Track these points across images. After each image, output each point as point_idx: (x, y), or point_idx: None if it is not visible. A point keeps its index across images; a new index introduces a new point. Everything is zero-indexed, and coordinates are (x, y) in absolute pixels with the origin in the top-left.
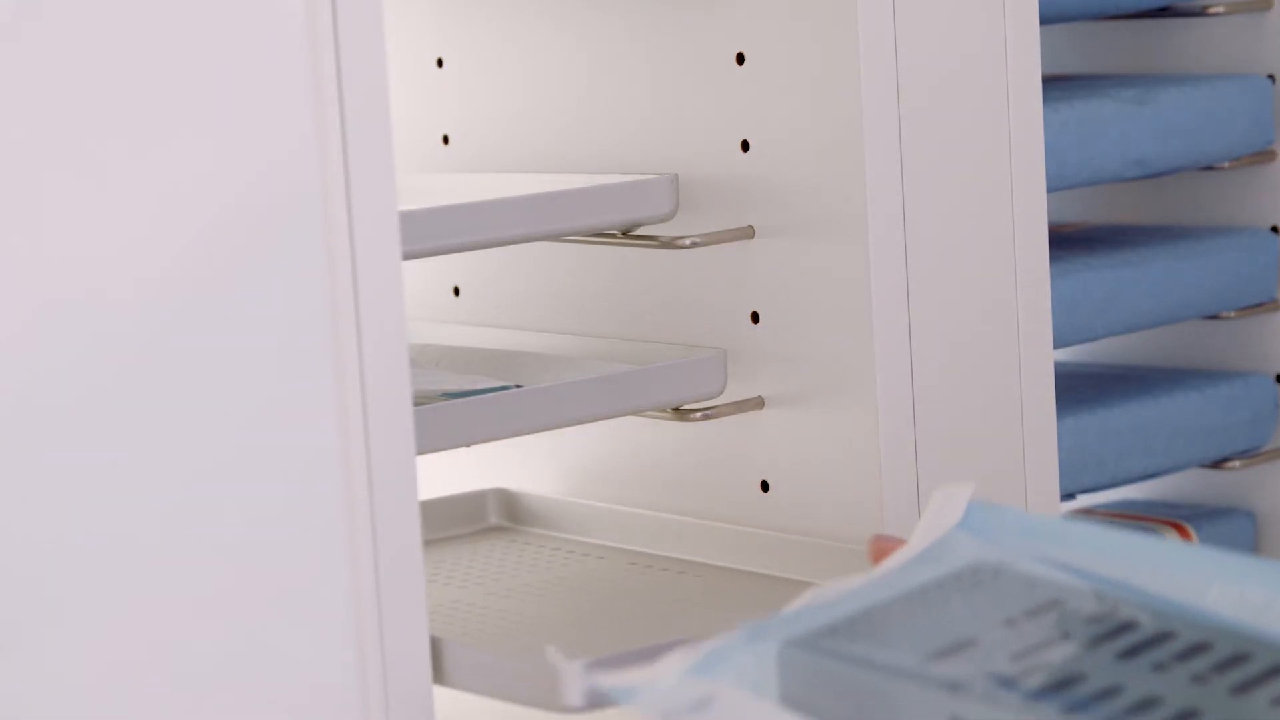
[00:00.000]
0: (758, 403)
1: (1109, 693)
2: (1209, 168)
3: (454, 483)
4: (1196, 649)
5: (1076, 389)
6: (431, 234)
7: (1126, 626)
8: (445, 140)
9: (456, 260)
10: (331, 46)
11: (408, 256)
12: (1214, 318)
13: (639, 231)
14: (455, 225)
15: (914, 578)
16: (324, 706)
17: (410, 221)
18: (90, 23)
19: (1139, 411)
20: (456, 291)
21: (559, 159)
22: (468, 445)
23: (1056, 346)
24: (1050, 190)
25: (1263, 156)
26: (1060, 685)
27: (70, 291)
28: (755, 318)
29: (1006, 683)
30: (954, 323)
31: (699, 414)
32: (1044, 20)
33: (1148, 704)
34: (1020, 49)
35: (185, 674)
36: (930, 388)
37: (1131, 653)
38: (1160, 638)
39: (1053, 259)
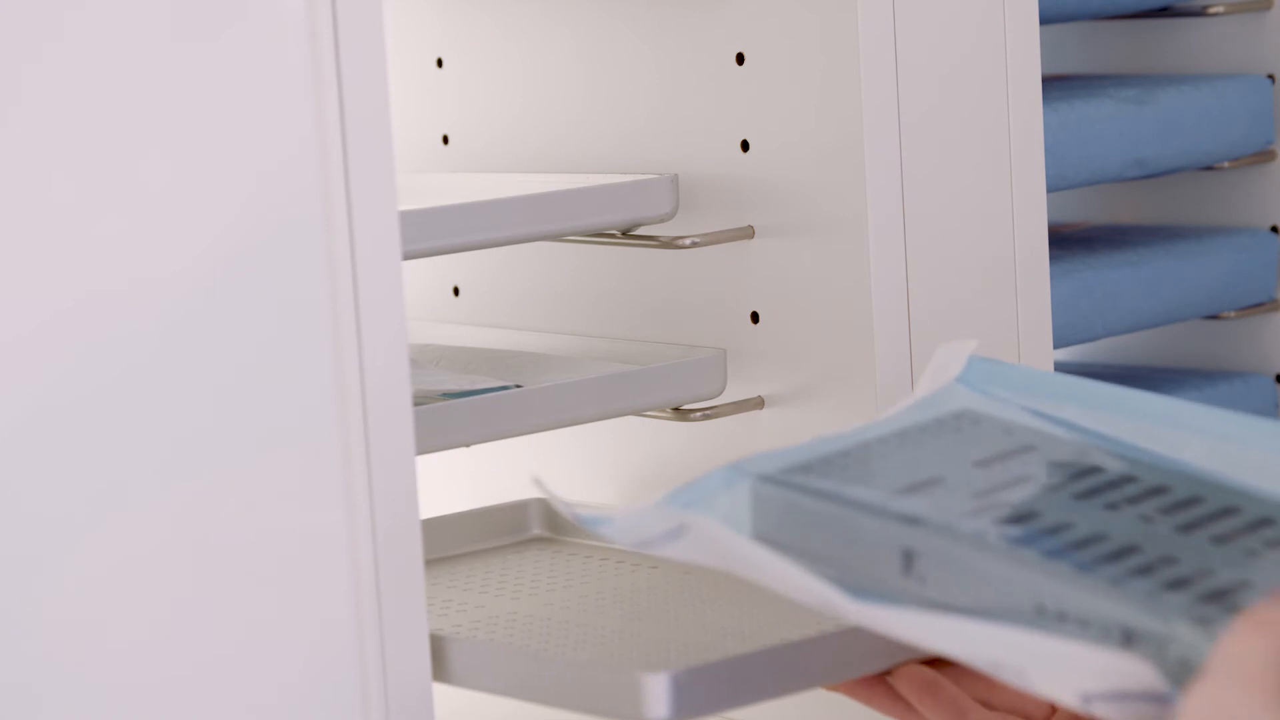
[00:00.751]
0: (758, 403)
1: (1057, 529)
2: (1209, 168)
3: (451, 486)
4: (1153, 492)
5: None
6: (431, 234)
7: (1090, 471)
8: (445, 140)
9: (456, 260)
10: (331, 46)
11: (408, 256)
12: (1214, 318)
13: (639, 231)
14: (455, 225)
15: (901, 423)
16: (324, 706)
17: (410, 221)
18: (88, 23)
19: None
20: (456, 291)
21: (559, 159)
22: (467, 445)
23: (1056, 346)
24: (1050, 190)
25: (1263, 156)
26: (1012, 521)
27: (70, 293)
28: (755, 318)
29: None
30: (954, 323)
31: (699, 414)
32: (1044, 20)
33: (1091, 540)
34: (1020, 49)
35: (185, 672)
36: None
37: (1088, 494)
38: (1120, 481)
39: (1053, 259)
